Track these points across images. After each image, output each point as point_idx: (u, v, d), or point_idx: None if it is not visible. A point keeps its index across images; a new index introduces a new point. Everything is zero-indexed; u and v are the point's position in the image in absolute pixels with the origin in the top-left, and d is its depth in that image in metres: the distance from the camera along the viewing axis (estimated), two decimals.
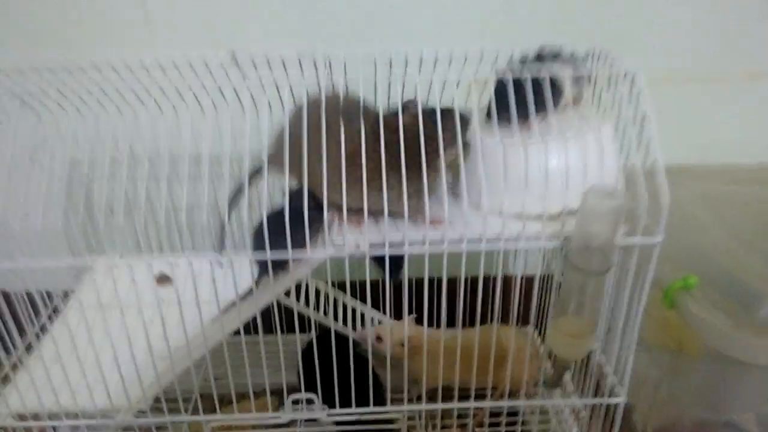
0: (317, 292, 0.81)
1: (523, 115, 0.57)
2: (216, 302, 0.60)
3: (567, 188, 0.54)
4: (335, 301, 0.83)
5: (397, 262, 0.59)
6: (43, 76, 0.60)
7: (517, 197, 0.56)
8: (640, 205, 0.53)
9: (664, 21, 0.88)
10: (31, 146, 0.65)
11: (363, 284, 0.60)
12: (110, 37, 0.86)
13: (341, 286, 0.84)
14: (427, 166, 0.54)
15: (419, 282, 0.60)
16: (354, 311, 0.84)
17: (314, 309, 0.77)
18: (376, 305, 0.86)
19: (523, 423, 0.76)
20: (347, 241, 0.54)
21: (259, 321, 0.58)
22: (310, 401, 0.62)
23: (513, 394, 0.71)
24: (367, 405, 0.64)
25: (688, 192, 0.85)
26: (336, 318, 0.80)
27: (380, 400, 0.66)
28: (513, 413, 0.73)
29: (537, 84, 0.57)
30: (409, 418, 0.73)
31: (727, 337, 0.63)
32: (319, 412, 0.62)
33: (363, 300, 0.76)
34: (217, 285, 0.56)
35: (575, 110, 0.60)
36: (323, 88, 0.59)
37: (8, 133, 0.59)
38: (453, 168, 0.62)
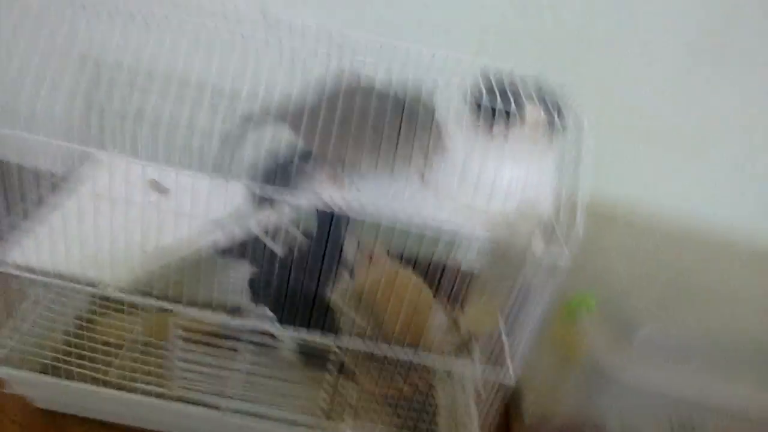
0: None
1: (488, 125, 0.70)
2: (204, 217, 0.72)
3: (506, 197, 0.67)
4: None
5: None
6: None
7: (468, 194, 0.70)
8: (558, 230, 0.67)
9: (651, 71, 1.03)
10: (77, 44, 0.73)
11: None
12: None
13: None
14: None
15: None
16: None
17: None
18: None
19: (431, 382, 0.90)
20: (327, 194, 0.67)
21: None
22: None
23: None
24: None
25: (615, 226, 1.00)
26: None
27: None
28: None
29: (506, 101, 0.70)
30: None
31: (602, 352, 0.78)
32: (274, 327, 0.76)
33: None
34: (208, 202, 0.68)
35: (531, 133, 0.73)
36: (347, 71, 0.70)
37: (59, 30, 0.68)
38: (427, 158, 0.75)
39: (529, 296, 0.72)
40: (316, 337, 0.77)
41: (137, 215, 0.72)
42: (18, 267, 0.74)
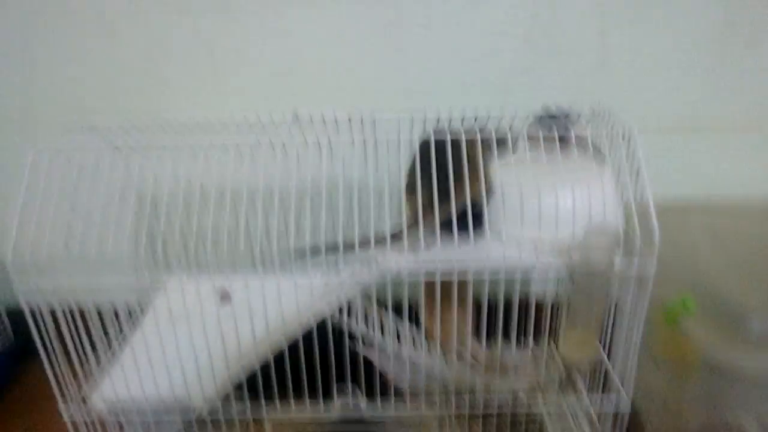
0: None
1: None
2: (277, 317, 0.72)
3: (574, 224, 0.65)
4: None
5: None
6: (133, 131, 0.74)
7: (533, 230, 0.67)
8: (634, 242, 0.63)
9: (676, 75, 1.00)
10: (120, 186, 0.77)
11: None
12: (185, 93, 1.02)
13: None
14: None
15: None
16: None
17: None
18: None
19: (541, 423, 0.85)
20: (390, 263, 0.66)
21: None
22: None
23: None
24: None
25: (694, 224, 0.94)
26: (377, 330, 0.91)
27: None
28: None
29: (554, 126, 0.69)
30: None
31: (719, 351, 0.73)
32: (365, 410, 0.74)
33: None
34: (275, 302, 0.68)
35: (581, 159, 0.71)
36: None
37: (102, 175, 0.72)
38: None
39: (624, 314, 0.68)
40: (415, 411, 0.75)
41: (213, 328, 0.72)
42: (111, 409, 0.76)
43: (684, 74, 0.99)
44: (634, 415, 1.01)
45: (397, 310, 0.81)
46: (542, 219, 0.66)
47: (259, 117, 0.73)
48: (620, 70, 0.98)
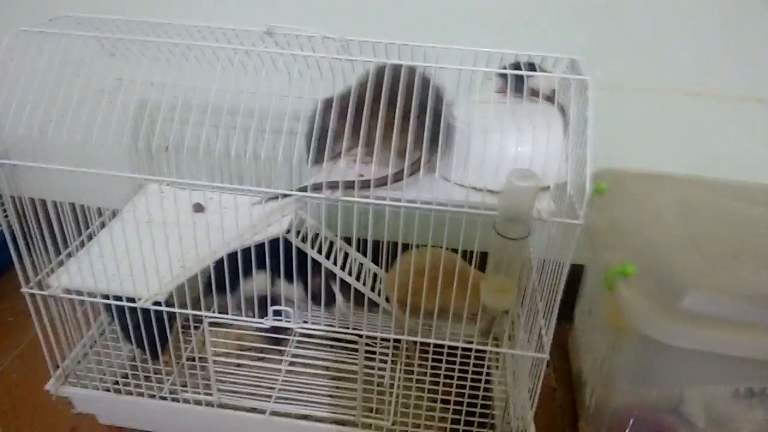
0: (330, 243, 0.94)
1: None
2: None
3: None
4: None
5: None
6: (118, 27, 0.75)
7: (473, 174, 0.69)
8: (565, 191, 0.64)
9: (675, 38, 0.97)
10: (105, 83, 0.76)
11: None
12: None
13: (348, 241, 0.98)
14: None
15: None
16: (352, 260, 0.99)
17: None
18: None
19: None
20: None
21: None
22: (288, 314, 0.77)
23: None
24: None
25: (666, 195, 0.93)
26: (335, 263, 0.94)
27: None
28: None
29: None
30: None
31: (648, 320, 0.73)
32: (294, 323, 0.77)
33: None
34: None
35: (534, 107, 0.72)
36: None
37: (87, 70, 0.73)
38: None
39: (548, 264, 0.69)
40: (344, 330, 0.78)
41: (177, 234, 0.76)
42: (65, 290, 0.81)
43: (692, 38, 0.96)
44: (577, 378, 1.03)
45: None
46: (481, 163, 0.67)
47: (233, 29, 0.74)
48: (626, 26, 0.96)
